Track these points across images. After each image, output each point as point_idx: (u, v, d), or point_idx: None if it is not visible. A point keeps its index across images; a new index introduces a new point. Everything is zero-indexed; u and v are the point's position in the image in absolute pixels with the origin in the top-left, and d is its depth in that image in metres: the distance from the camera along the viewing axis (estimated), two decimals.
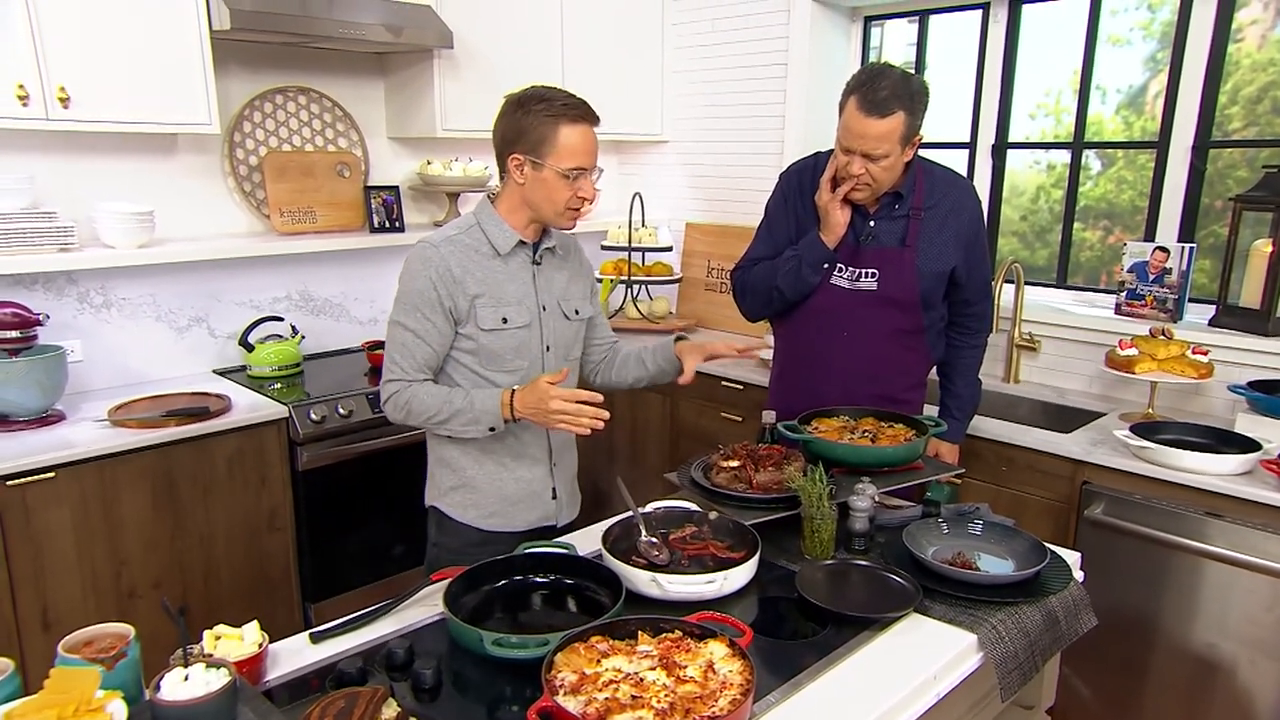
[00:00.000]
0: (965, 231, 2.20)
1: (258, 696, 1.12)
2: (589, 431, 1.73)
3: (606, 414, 1.73)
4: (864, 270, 2.20)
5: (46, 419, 2.51)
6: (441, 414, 1.80)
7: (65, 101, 2.45)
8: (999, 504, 2.55)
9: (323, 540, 2.85)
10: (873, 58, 3.72)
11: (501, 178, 1.87)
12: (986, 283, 2.31)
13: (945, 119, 3.54)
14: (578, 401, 1.71)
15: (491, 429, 1.80)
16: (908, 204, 2.18)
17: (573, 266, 2.03)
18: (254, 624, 1.33)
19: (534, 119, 1.75)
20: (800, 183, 2.29)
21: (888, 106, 1.98)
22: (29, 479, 2.26)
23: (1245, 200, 2.62)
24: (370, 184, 3.45)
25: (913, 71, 2.05)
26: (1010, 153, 3.34)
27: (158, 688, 1.06)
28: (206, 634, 1.31)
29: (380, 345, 3.18)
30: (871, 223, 2.20)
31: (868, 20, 3.69)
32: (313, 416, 2.74)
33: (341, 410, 2.80)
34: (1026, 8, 3.20)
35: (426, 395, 1.81)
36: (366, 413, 2.85)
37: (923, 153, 3.52)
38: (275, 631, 1.46)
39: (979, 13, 3.31)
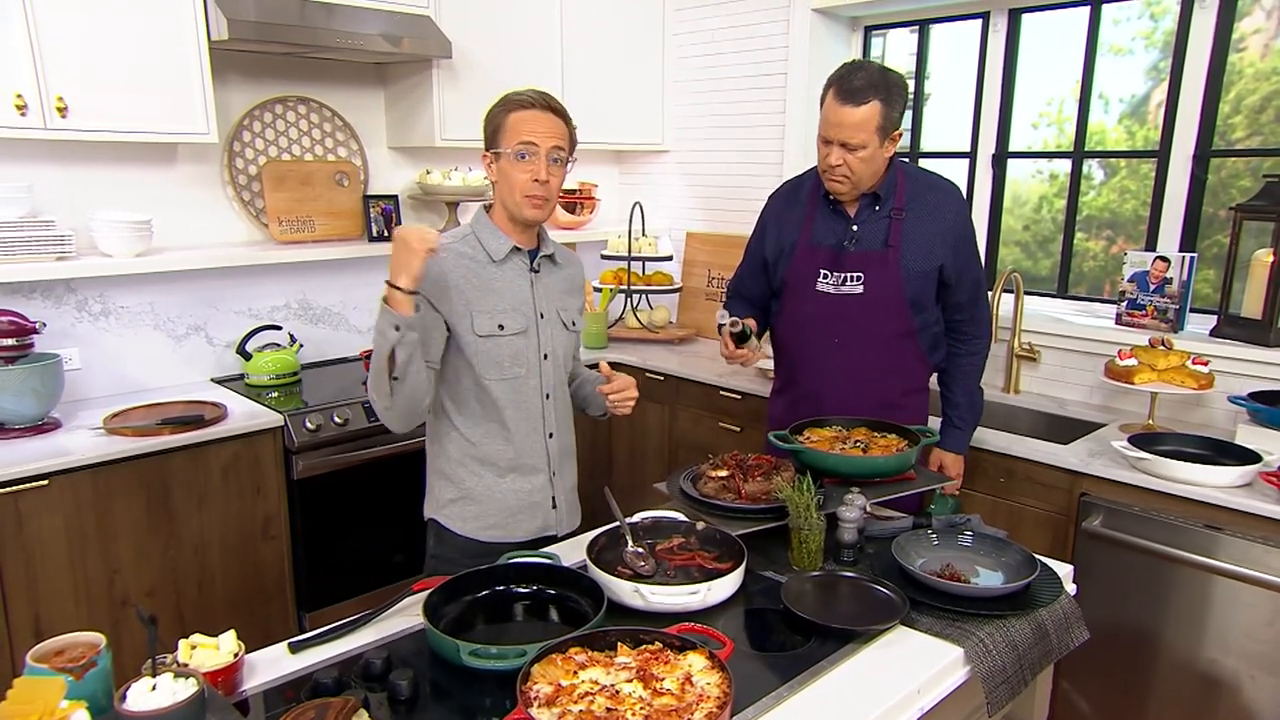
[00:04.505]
0: (949, 231, 2.19)
1: (227, 707, 1.11)
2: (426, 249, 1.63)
3: (433, 234, 1.64)
4: (849, 274, 2.20)
5: (42, 427, 2.52)
6: (375, 361, 1.68)
7: (63, 111, 2.47)
8: (997, 516, 2.52)
9: (318, 549, 2.85)
10: None
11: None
12: (977, 284, 2.29)
13: (947, 129, 3.53)
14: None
15: (397, 327, 1.63)
16: (889, 205, 2.19)
17: (570, 278, 2.04)
18: (230, 633, 1.32)
19: (491, 117, 1.84)
20: (785, 203, 2.35)
21: (863, 95, 2.02)
22: (22, 487, 2.26)
23: (1245, 210, 2.60)
24: (369, 193, 3.46)
25: (902, 72, 2.09)
26: (1013, 162, 3.32)
27: (124, 698, 1.05)
28: (182, 643, 1.30)
29: None
30: (854, 226, 2.21)
31: (868, 30, 3.68)
32: (308, 425, 2.74)
33: (337, 419, 2.80)
34: (1026, 17, 3.19)
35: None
36: (362, 421, 2.85)
37: (924, 162, 3.53)
38: (269, 641, 1.46)
39: (979, 22, 3.30)
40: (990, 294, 2.89)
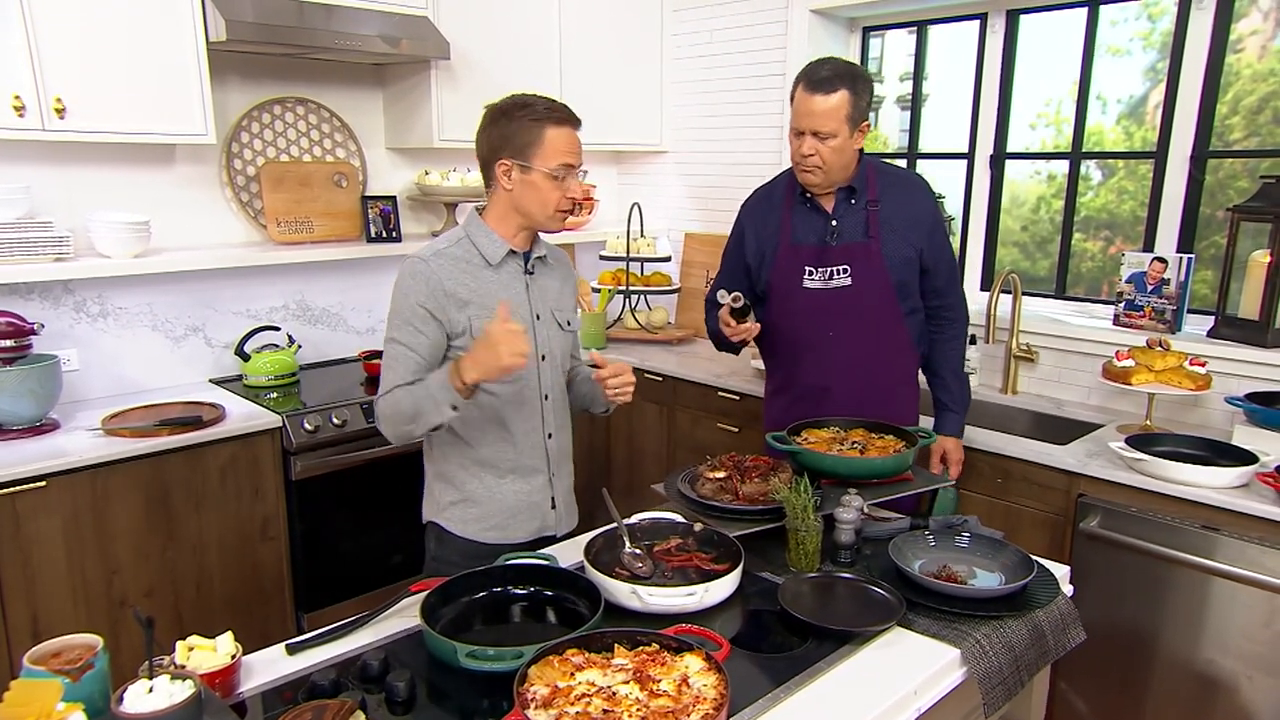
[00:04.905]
0: (922, 220, 2.26)
1: (225, 709, 1.11)
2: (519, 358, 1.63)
3: (522, 352, 1.63)
4: (835, 268, 2.25)
5: (40, 428, 2.52)
6: (409, 410, 1.75)
7: (61, 112, 2.47)
8: (995, 516, 2.52)
9: (316, 550, 2.85)
10: (872, 69, 3.72)
11: (488, 188, 1.89)
12: (952, 268, 2.36)
13: (945, 130, 3.53)
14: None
15: (454, 408, 1.71)
16: (864, 198, 2.25)
17: (562, 277, 2.04)
18: (228, 635, 1.33)
19: (519, 124, 1.80)
20: (760, 207, 2.39)
21: (831, 85, 2.10)
22: (20, 488, 2.26)
23: (1243, 211, 2.60)
24: (368, 194, 3.46)
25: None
26: (1011, 163, 3.32)
27: (121, 700, 1.05)
28: (179, 645, 1.30)
29: (377, 355, 3.19)
30: (834, 221, 2.25)
31: (866, 31, 3.68)
32: (306, 426, 2.74)
33: (335, 420, 2.80)
34: (1024, 18, 3.19)
35: (397, 397, 1.77)
36: (360, 423, 2.85)
37: (922, 163, 3.53)
38: (268, 642, 1.46)
39: (977, 23, 3.31)
40: (989, 294, 2.92)
